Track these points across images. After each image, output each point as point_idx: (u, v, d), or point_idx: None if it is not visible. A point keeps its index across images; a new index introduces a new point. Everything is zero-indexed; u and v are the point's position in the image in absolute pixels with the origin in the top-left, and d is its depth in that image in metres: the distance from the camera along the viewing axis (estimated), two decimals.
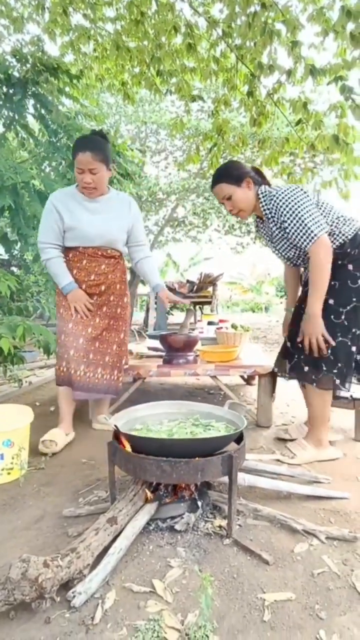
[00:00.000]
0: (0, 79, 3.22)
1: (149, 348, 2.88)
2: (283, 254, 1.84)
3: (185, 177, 8.21)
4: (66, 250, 2.04)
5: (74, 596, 0.99)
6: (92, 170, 1.85)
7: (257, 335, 7.76)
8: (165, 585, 1.06)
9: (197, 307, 8.79)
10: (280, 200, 1.67)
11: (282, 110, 2.61)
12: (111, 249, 2.06)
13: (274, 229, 1.77)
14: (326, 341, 1.69)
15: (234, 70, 2.67)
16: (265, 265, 18.22)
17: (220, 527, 1.32)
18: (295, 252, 1.79)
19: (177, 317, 10.69)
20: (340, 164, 2.69)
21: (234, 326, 2.83)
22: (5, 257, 3.67)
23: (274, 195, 1.70)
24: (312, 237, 1.62)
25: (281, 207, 1.66)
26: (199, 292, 7.28)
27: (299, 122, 2.59)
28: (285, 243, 1.79)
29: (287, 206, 1.65)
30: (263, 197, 1.75)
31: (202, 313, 8.70)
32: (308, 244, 1.63)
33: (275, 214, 1.71)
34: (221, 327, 2.90)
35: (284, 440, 2.08)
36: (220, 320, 3.24)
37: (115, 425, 1.31)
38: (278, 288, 18.31)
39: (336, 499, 1.53)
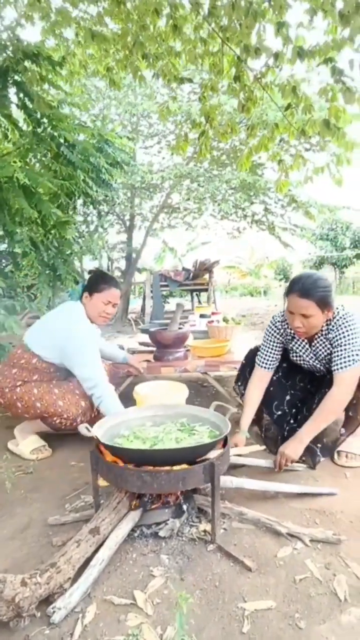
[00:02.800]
0: None
1: (140, 343, 2.87)
2: (325, 370, 1.83)
3: (179, 162, 8.04)
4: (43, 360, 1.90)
5: (54, 612, 0.99)
6: (115, 304, 2.02)
7: (255, 322, 7.74)
8: (146, 596, 1.07)
9: (194, 294, 8.75)
10: (341, 327, 1.67)
11: (270, 95, 2.51)
12: None
13: (327, 345, 1.74)
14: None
15: (220, 53, 2.55)
16: (263, 248, 18.06)
17: (205, 531, 1.31)
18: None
19: (175, 304, 10.64)
20: (333, 153, 2.60)
21: (225, 319, 2.80)
22: None
23: (336, 321, 1.69)
24: (351, 362, 1.61)
25: (342, 323, 1.67)
26: (195, 280, 7.23)
27: (288, 107, 2.50)
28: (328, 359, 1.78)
29: (345, 323, 1.67)
30: (329, 324, 1.71)
31: (199, 300, 8.66)
32: (343, 367, 1.62)
33: (333, 338, 1.69)
34: (212, 321, 2.87)
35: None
36: (213, 313, 3.21)
37: (97, 437, 1.30)
38: (277, 271, 18.20)
39: (324, 497, 1.53)
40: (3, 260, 3.63)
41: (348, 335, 1.65)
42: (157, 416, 1.62)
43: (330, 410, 1.63)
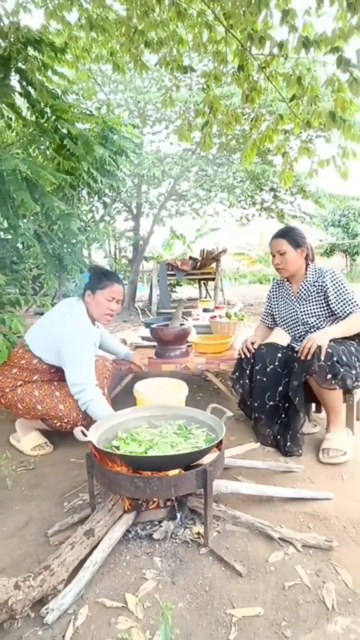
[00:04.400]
0: None
1: (143, 338, 2.87)
2: (304, 316, 2.04)
3: (187, 147, 7.90)
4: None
5: (47, 613, 1.02)
6: (119, 300, 1.98)
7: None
8: (137, 599, 1.09)
9: (202, 282, 8.70)
10: (333, 276, 1.97)
11: (275, 85, 2.43)
12: None
13: (313, 294, 2.01)
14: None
15: (224, 41, 2.47)
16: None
17: (198, 534, 1.34)
18: (315, 320, 2.00)
19: (183, 292, 10.60)
20: (339, 145, 2.53)
21: (228, 315, 2.78)
22: None
23: (326, 271, 2.00)
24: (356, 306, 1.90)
25: (333, 279, 1.96)
26: (202, 269, 7.18)
27: (293, 97, 2.42)
28: (314, 307, 2.00)
29: (336, 280, 1.96)
30: (314, 271, 2.05)
31: (206, 290, 8.61)
32: (352, 309, 1.89)
33: (324, 283, 1.97)
34: (215, 316, 2.86)
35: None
36: (216, 307, 3.19)
37: (92, 442, 1.31)
38: None
39: (319, 500, 1.54)
40: (8, 253, 3.63)
41: (345, 284, 1.94)
42: (154, 417, 1.64)
43: (349, 327, 1.84)
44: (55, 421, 1.86)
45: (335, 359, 1.72)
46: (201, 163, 6.48)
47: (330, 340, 1.78)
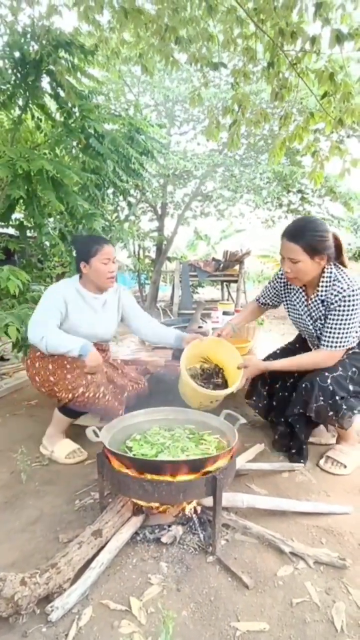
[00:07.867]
0: (15, 58, 3.13)
1: None
2: (319, 333, 1.78)
3: (215, 148, 7.85)
4: None
5: (52, 610, 1.03)
6: (114, 259, 1.91)
7: (285, 315, 7.53)
8: (141, 604, 1.08)
9: (225, 284, 8.61)
10: (345, 296, 1.61)
11: (306, 82, 2.36)
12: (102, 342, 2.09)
13: (321, 308, 1.72)
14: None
15: (254, 37, 2.42)
16: None
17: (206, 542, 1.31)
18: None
19: (205, 293, 10.55)
20: None
21: None
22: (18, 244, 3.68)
23: (341, 287, 1.62)
24: (334, 346, 1.65)
25: (341, 300, 1.62)
26: (225, 271, 7.11)
27: (325, 94, 2.35)
28: (321, 323, 1.76)
29: (345, 304, 1.61)
30: (328, 279, 1.66)
31: (229, 292, 8.53)
32: (327, 346, 1.66)
33: (332, 300, 1.65)
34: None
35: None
36: (237, 310, 3.14)
37: (103, 444, 1.31)
38: None
39: (333, 515, 1.48)
40: (34, 251, 3.72)
41: (345, 318, 1.62)
42: (168, 420, 1.63)
43: (301, 363, 1.75)
44: (65, 393, 1.83)
45: (337, 397, 1.63)
46: (228, 162, 6.42)
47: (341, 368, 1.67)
